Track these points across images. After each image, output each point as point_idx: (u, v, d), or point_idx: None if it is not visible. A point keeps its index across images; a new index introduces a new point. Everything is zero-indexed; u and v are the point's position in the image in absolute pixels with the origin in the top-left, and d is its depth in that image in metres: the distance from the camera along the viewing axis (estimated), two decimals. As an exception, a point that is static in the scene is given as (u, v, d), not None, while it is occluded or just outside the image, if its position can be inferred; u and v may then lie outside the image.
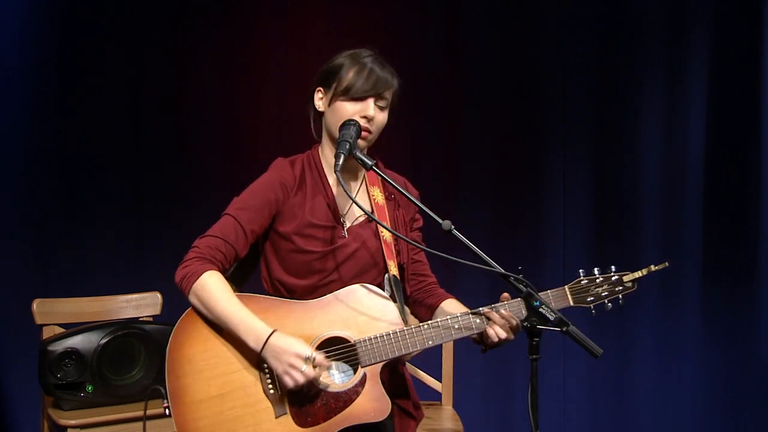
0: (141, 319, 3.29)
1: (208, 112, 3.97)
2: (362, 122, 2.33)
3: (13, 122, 3.74)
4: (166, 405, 2.25)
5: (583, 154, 4.20)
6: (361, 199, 2.43)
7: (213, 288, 2.24)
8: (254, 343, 2.20)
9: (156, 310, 3.33)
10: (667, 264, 2.26)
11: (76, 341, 2.97)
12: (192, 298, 2.27)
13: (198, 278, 2.25)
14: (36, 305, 3.14)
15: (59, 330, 3.14)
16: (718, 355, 4.17)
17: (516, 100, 4.20)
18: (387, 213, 2.44)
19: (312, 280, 2.35)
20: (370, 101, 2.34)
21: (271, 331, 2.20)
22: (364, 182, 2.46)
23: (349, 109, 2.34)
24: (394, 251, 2.41)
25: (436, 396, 3.25)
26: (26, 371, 3.24)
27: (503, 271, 2.12)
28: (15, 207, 3.74)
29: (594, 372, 4.17)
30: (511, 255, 3.97)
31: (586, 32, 4.16)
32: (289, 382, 2.18)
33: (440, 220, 2.19)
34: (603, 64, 4.18)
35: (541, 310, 2.08)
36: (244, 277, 2.51)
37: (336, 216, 2.39)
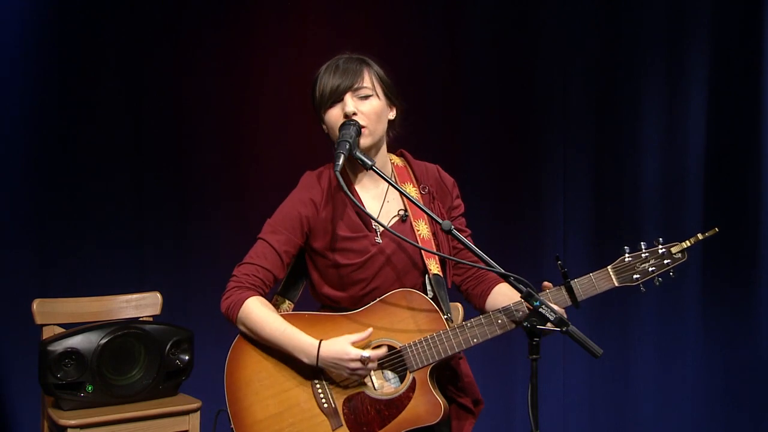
0: (141, 319, 3.29)
1: (208, 112, 3.96)
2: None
3: (13, 122, 3.73)
4: (231, 427, 2.32)
5: (583, 154, 4.20)
6: (393, 198, 2.40)
7: (256, 313, 2.29)
8: (307, 359, 2.25)
9: (156, 310, 3.33)
10: (717, 230, 2.19)
11: (76, 341, 2.96)
12: (239, 326, 2.32)
13: (241, 306, 2.29)
14: (36, 305, 3.14)
15: (59, 330, 3.13)
16: (718, 355, 4.17)
17: (516, 100, 4.20)
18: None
19: (353, 291, 2.35)
20: (347, 97, 2.29)
21: (317, 342, 2.23)
22: (394, 180, 2.39)
23: (333, 114, 2.31)
24: (434, 247, 2.37)
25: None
26: (26, 371, 3.23)
27: (503, 271, 2.11)
28: (15, 207, 3.72)
29: (594, 372, 4.17)
30: (511, 255, 3.97)
31: (587, 32, 4.16)
32: (357, 381, 2.26)
33: (440, 220, 2.18)
34: (603, 64, 4.18)
35: (541, 310, 2.06)
36: (295, 289, 2.51)
37: (367, 223, 2.35)
